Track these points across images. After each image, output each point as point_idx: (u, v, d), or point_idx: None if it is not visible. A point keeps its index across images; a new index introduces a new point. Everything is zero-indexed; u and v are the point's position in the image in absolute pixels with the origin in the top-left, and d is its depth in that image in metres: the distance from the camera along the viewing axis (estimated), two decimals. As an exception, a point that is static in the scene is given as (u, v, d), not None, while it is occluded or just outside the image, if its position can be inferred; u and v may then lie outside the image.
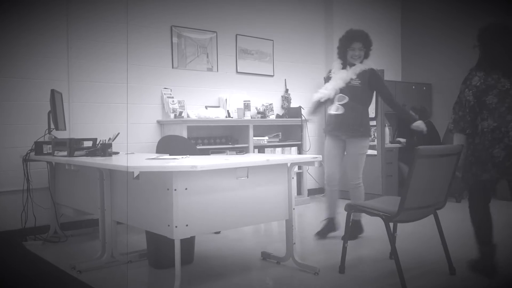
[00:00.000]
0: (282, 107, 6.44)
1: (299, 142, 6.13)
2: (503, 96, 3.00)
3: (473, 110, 3.03)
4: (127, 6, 5.10)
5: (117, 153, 3.92)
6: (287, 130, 6.29)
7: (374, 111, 6.01)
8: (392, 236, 3.07)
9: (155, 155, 3.62)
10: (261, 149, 5.84)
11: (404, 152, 6.43)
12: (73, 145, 3.71)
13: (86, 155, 3.67)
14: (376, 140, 6.06)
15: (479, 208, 3.15)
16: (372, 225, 4.01)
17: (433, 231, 3.31)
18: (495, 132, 2.99)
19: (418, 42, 7.81)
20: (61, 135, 4.30)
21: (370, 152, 6.13)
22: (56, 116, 4.08)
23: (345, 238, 3.26)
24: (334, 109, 4.13)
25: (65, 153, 3.76)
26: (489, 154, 3.00)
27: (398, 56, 8.03)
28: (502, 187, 5.93)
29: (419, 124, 4.01)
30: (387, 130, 6.47)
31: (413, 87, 7.27)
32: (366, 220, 3.64)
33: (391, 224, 3.15)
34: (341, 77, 4.11)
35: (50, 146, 4.02)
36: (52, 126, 4.21)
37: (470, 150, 3.12)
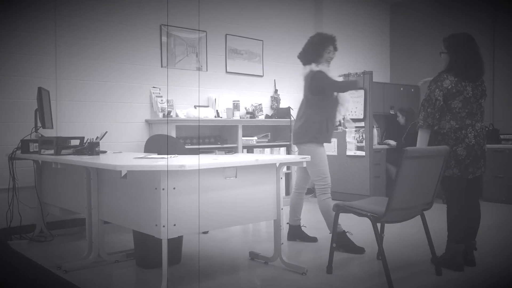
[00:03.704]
0: (271, 107, 6.45)
1: (288, 143, 6.14)
2: (466, 103, 3.26)
3: (441, 109, 3.25)
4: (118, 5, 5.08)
5: (104, 152, 3.89)
6: (276, 131, 6.30)
7: (362, 112, 6.05)
8: (379, 237, 3.09)
9: (143, 154, 3.61)
10: (250, 149, 5.84)
11: (392, 153, 6.47)
12: (60, 144, 3.68)
13: (73, 153, 3.64)
14: (364, 141, 6.09)
15: (450, 205, 3.30)
16: (360, 226, 4.03)
17: (420, 232, 3.34)
18: (457, 133, 3.23)
19: (406, 44, 7.88)
20: (48, 133, 4.26)
21: (358, 153, 6.18)
22: (43, 114, 4.04)
23: (333, 239, 3.27)
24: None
25: (52, 151, 3.72)
26: (453, 152, 3.21)
27: (386, 58, 8.09)
28: (490, 189, 6.04)
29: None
30: (375, 131, 6.51)
31: (401, 89, 7.32)
32: (354, 221, 3.66)
33: (379, 225, 3.17)
34: None
35: (37, 144, 3.99)
36: (39, 124, 4.16)
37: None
